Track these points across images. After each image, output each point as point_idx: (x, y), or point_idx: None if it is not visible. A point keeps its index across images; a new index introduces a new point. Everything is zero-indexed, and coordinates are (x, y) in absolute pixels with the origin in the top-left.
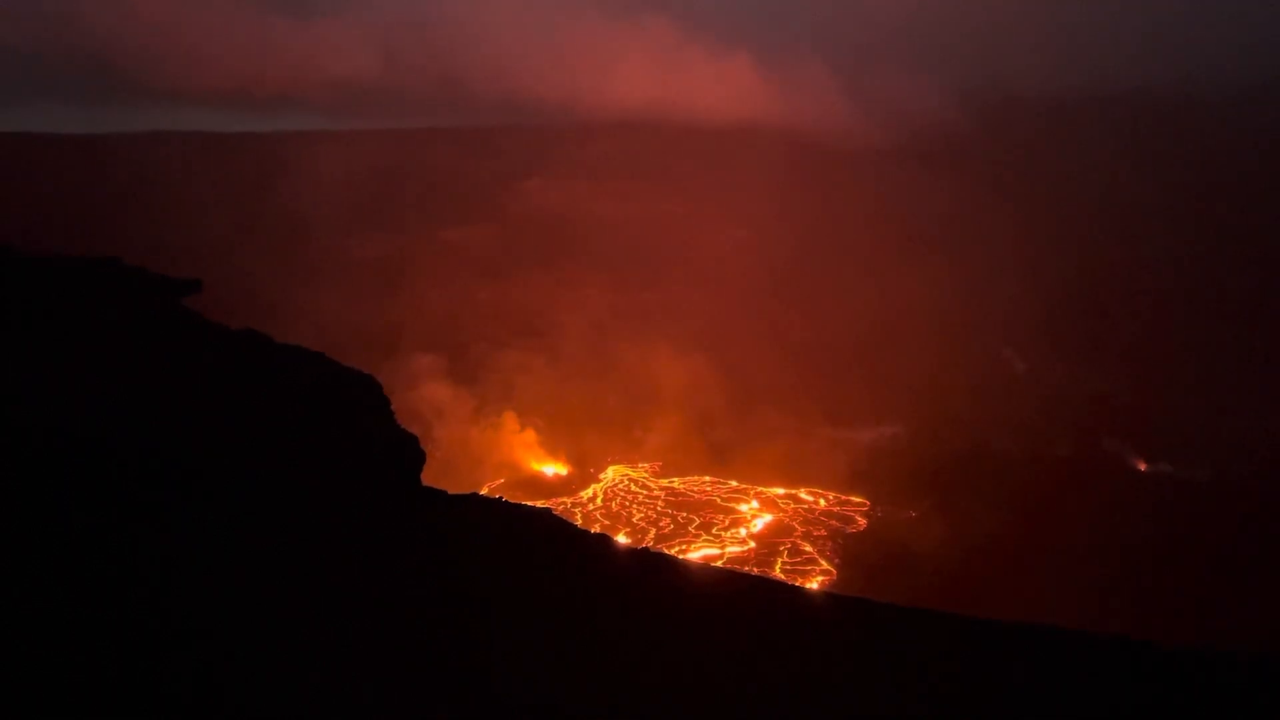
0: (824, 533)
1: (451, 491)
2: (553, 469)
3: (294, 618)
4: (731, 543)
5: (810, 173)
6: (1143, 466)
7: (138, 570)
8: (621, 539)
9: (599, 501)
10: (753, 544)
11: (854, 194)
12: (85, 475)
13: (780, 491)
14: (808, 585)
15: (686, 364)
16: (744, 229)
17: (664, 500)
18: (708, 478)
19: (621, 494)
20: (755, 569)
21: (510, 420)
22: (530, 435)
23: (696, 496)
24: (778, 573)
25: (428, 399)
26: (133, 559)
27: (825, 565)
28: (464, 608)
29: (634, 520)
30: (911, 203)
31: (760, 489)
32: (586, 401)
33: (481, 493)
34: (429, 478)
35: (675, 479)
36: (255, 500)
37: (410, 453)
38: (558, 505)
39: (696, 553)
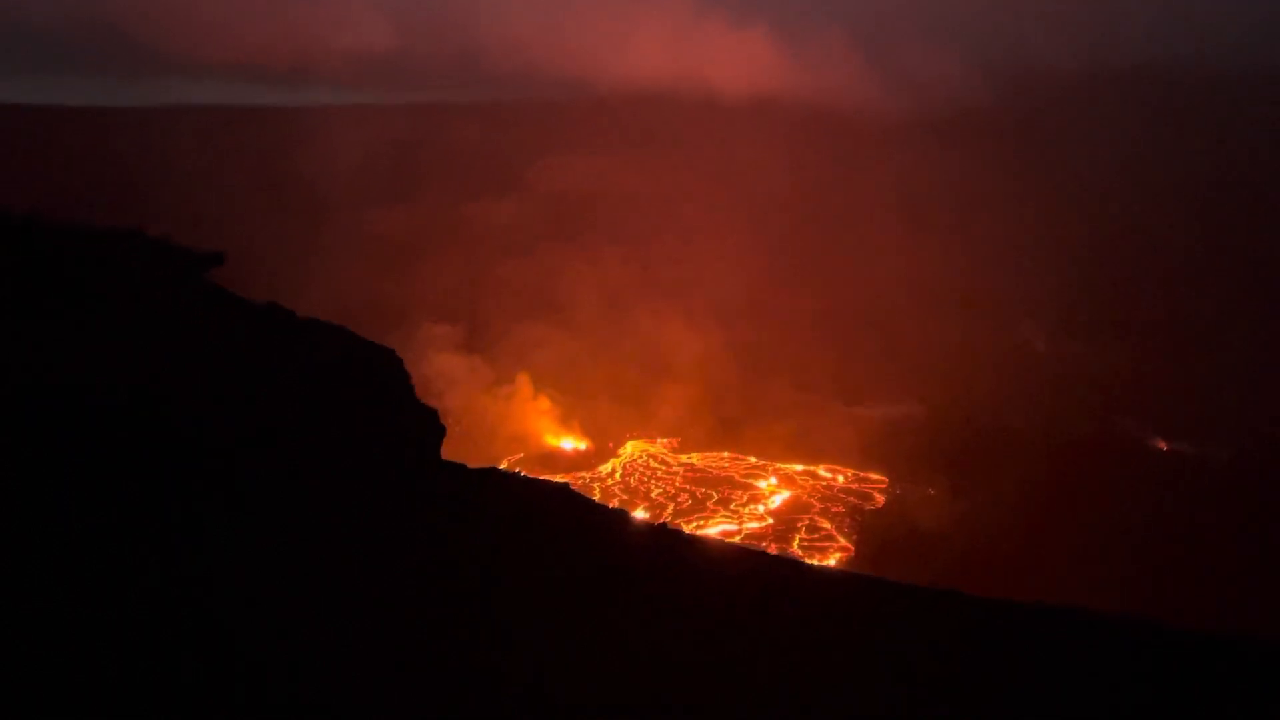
0: (842, 509)
1: (471, 465)
2: (571, 443)
3: (294, 617)
4: (750, 519)
5: (829, 147)
6: (1163, 446)
7: (138, 567)
8: (640, 514)
9: (618, 476)
10: (771, 520)
11: (873, 168)
12: (93, 461)
13: (798, 468)
14: (826, 562)
15: (703, 338)
16: (761, 203)
17: (683, 476)
18: (726, 454)
19: (640, 469)
20: (773, 545)
21: (526, 390)
22: (545, 403)
23: (715, 472)
24: (795, 549)
25: (444, 372)
26: (134, 555)
27: (843, 542)
28: (470, 601)
29: (653, 496)
30: (931, 177)
31: (779, 465)
32: (604, 375)
33: (501, 467)
34: (447, 451)
35: (694, 455)
36: (268, 486)
37: (431, 427)
38: (576, 480)
39: (714, 528)
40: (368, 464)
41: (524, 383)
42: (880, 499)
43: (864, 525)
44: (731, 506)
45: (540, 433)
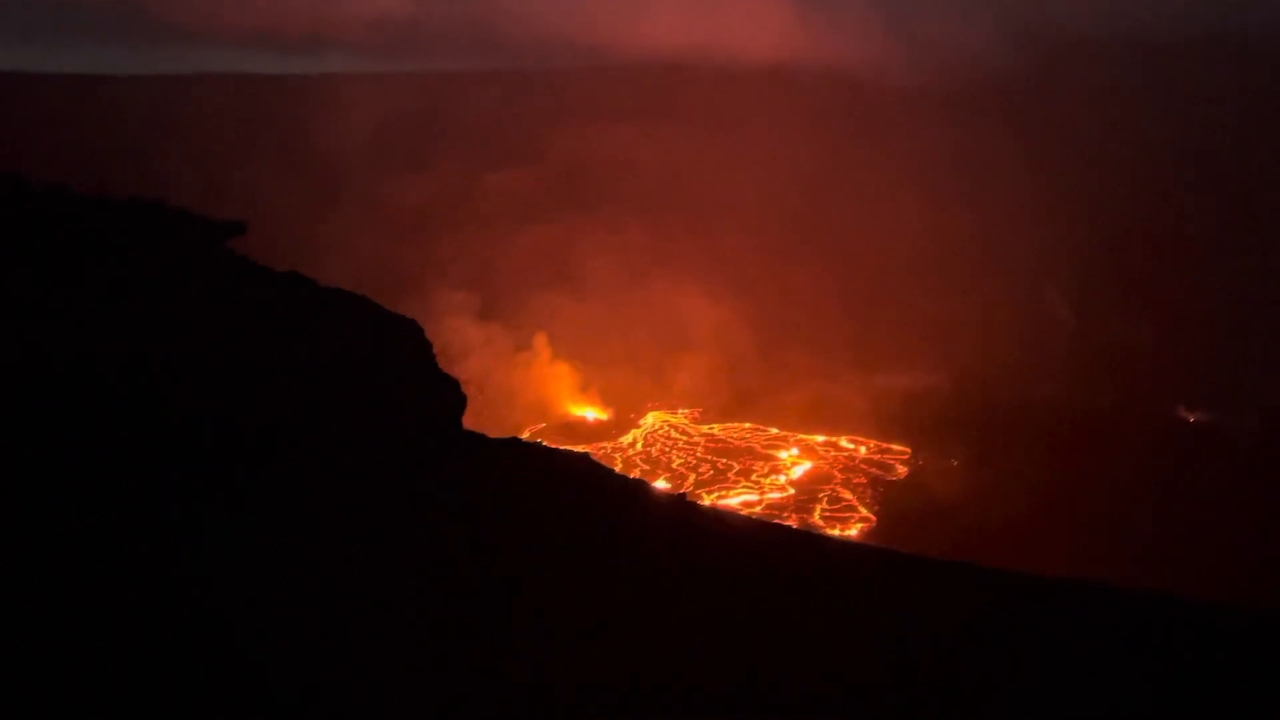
0: (864, 480)
1: (491, 435)
2: (593, 414)
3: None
4: (771, 489)
5: (851, 115)
6: (1189, 416)
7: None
8: (661, 484)
9: (639, 447)
10: (792, 491)
11: (894, 135)
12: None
13: (820, 439)
14: (847, 533)
15: (722, 308)
16: (780, 171)
17: (704, 446)
18: (748, 424)
19: (662, 439)
20: (794, 515)
21: (544, 354)
22: (564, 369)
23: (736, 443)
24: (817, 519)
25: (464, 341)
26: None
27: (865, 513)
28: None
29: (674, 466)
30: (954, 145)
31: (800, 436)
32: (622, 345)
33: (522, 437)
34: (468, 420)
35: (715, 425)
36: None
37: (452, 397)
38: (598, 450)
39: (736, 498)
40: (385, 443)
41: (542, 346)
42: (903, 470)
43: (886, 496)
44: (753, 477)
45: (560, 400)
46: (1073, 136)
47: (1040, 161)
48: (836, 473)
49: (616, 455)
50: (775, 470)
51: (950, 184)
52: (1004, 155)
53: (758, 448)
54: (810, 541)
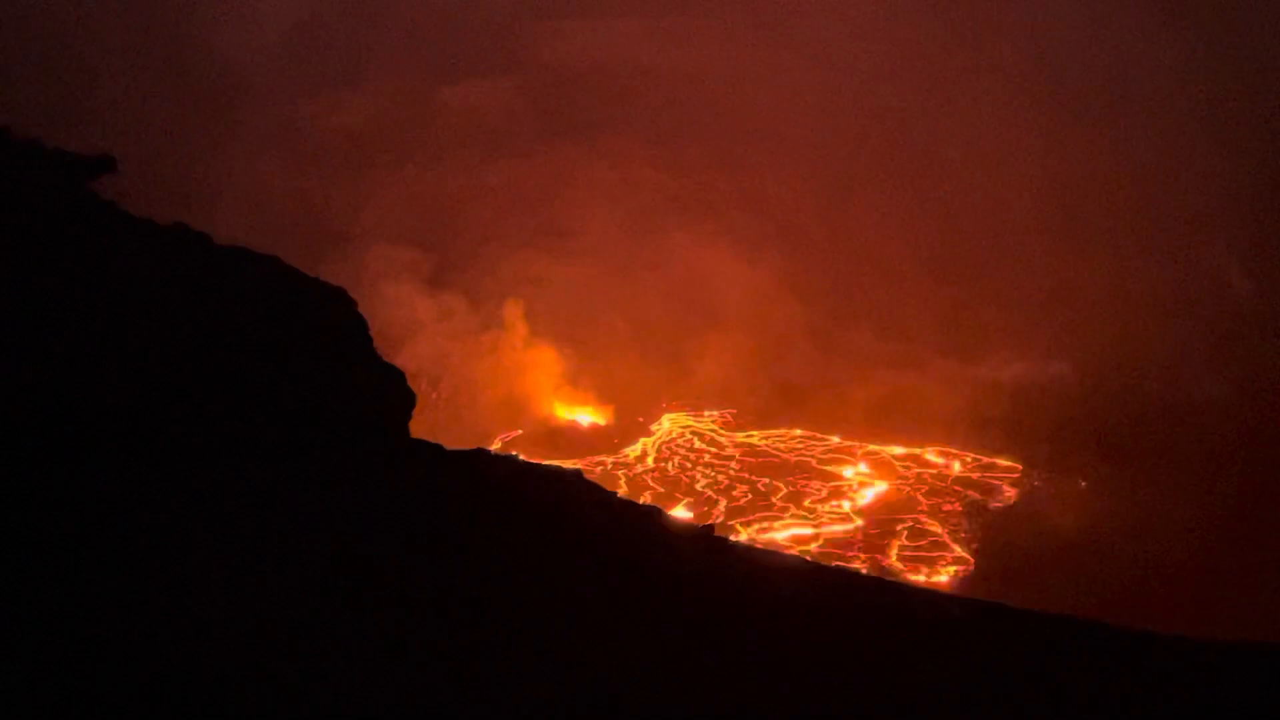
0: (958, 508)
1: (449, 446)
2: (588, 417)
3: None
4: (831, 520)
5: (943, 7)
6: None
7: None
8: (681, 513)
9: (650, 462)
10: (860, 522)
11: (1010, 31)
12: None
13: (898, 451)
14: (936, 579)
15: (761, 271)
16: (845, 80)
17: (739, 461)
18: (798, 431)
19: (682, 452)
20: (863, 556)
21: (519, 333)
22: (548, 356)
23: (783, 457)
24: (894, 561)
25: (410, 316)
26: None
27: (960, 552)
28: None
29: (698, 488)
30: (1095, 49)
31: (870, 447)
32: (627, 323)
33: (491, 448)
34: (418, 426)
35: (754, 433)
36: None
37: (396, 394)
38: (595, 466)
39: (783, 533)
40: (318, 436)
41: (517, 321)
42: (1011, 493)
43: (988, 530)
44: (806, 503)
45: (542, 398)
46: (1250, 38)
47: (1203, 71)
48: (920, 498)
49: (620, 473)
50: (837, 494)
51: (1085, 101)
52: (1163, 63)
53: (812, 463)
54: (885, 591)
